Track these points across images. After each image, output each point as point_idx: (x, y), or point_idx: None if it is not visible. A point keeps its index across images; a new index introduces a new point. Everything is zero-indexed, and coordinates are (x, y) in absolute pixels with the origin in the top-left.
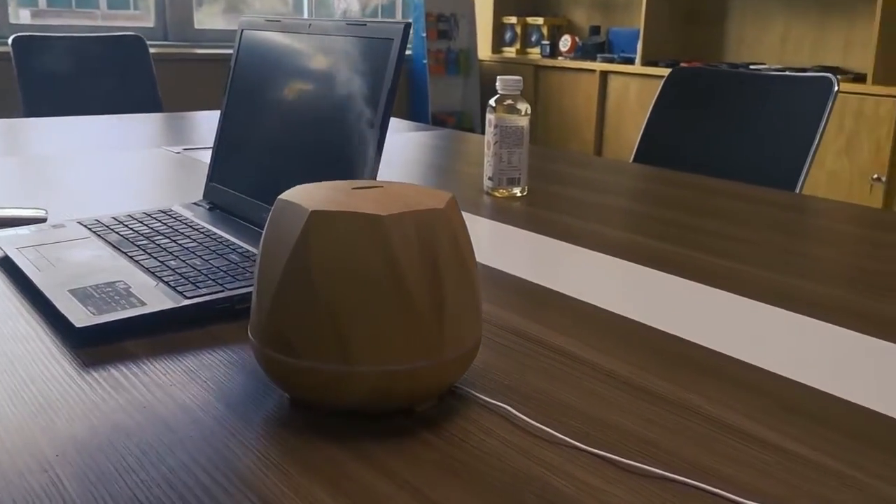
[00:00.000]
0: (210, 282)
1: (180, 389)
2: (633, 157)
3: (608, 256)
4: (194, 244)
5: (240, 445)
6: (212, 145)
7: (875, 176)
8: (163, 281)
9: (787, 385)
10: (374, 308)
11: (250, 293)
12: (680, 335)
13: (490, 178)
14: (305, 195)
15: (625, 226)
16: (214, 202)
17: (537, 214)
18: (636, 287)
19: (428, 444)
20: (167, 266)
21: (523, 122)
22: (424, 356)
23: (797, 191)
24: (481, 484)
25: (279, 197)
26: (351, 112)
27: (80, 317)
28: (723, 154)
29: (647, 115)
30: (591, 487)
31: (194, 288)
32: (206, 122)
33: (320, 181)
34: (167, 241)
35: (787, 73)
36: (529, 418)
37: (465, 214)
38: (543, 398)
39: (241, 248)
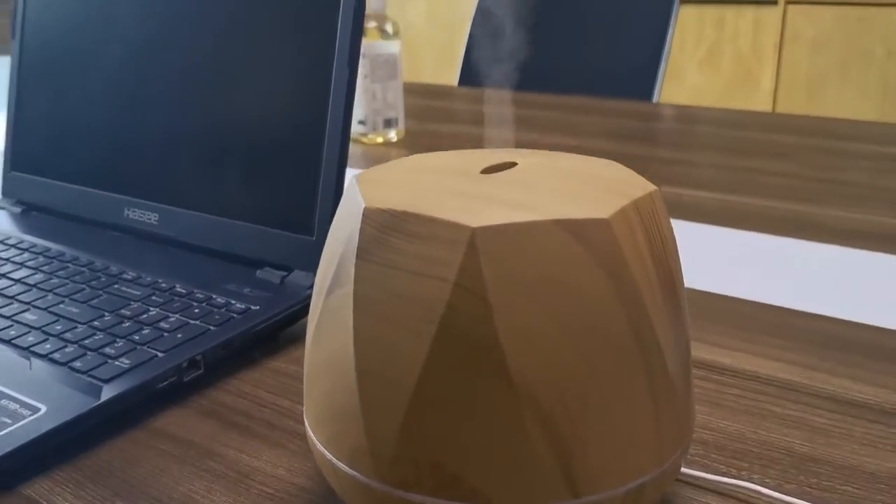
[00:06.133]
0: (123, 343)
1: None
2: (457, 80)
3: None
4: (42, 276)
5: None
6: None
7: None
8: (37, 355)
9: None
10: (615, 389)
11: (199, 357)
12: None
13: (361, 122)
14: (409, 195)
15: None
16: (25, 200)
17: None
18: None
19: None
20: (22, 323)
21: (395, 47)
22: (674, 444)
23: (654, 101)
24: None
25: (367, 206)
26: (284, 67)
27: None
28: (568, 68)
29: (466, 37)
30: None
31: (104, 360)
32: None
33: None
34: None
35: None
36: (797, 498)
37: None
38: (770, 452)
39: (129, 274)
